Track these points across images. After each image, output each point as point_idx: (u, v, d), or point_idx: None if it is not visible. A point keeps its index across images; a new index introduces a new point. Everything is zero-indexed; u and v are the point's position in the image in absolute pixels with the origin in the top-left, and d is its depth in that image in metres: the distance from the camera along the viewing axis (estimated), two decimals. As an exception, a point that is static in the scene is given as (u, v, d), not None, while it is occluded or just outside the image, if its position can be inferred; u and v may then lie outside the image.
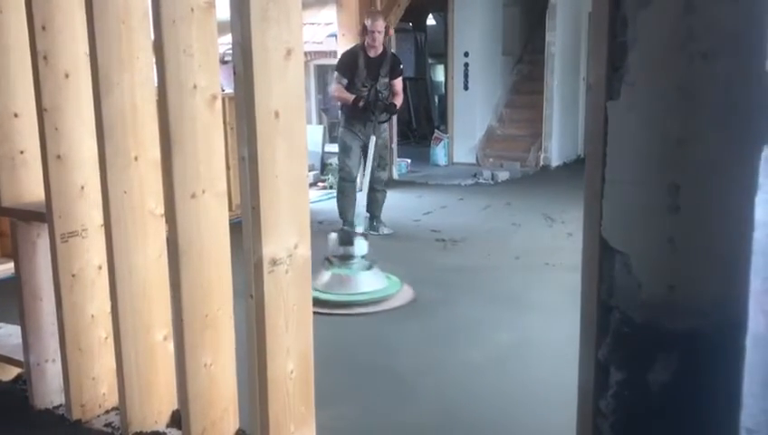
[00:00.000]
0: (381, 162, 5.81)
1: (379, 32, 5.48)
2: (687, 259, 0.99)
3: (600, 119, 1.04)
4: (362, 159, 5.62)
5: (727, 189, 0.95)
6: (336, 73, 5.73)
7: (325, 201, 7.38)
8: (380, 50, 5.60)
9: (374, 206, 5.84)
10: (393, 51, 6.64)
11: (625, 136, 1.02)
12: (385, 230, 5.90)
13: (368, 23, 5.54)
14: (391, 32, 5.78)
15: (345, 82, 5.58)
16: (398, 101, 5.74)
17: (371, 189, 5.63)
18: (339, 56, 7.06)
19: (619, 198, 1.03)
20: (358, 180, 5.83)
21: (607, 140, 1.03)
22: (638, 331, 1.03)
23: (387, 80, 5.63)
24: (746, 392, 0.94)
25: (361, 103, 5.46)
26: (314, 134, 8.64)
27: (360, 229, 4.74)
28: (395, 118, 5.81)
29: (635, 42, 1.00)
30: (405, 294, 4.25)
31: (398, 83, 5.71)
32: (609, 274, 1.05)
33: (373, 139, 5.34)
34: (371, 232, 5.81)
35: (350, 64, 5.59)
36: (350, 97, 5.51)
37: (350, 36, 7.66)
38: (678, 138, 0.97)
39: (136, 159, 2.29)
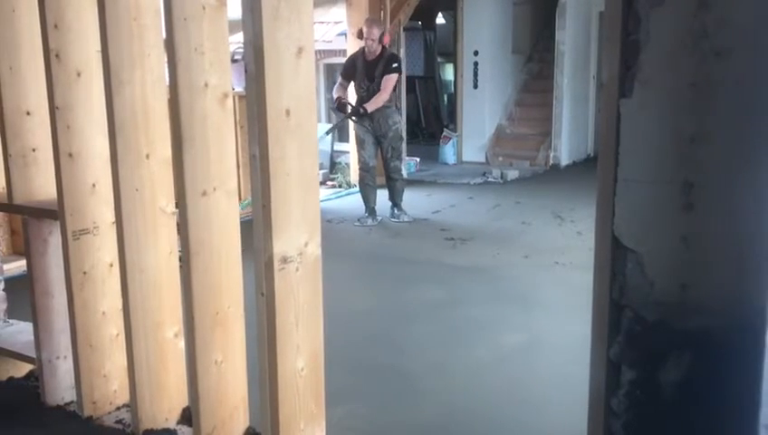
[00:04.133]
0: (394, 153, 6.21)
1: (372, 39, 5.96)
2: (701, 258, 0.98)
3: (612, 117, 1.04)
4: (377, 150, 6.20)
5: (742, 187, 0.94)
6: (339, 77, 6.31)
7: (334, 200, 7.39)
8: (377, 53, 6.03)
9: (393, 194, 6.32)
10: (402, 50, 6.89)
11: (638, 134, 1.01)
12: (405, 218, 6.31)
13: (364, 29, 6.03)
14: (387, 39, 6.09)
15: (346, 84, 6.17)
16: (379, 97, 5.99)
17: (389, 178, 6.26)
18: (347, 55, 7.56)
19: (632, 197, 1.03)
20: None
21: (620, 138, 1.03)
22: (650, 330, 1.03)
23: (381, 80, 6.04)
24: (766, 390, 0.94)
25: (335, 105, 6.20)
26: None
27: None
28: (404, 115, 6.30)
29: (648, 40, 0.99)
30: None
31: (387, 80, 6.02)
32: (622, 272, 1.05)
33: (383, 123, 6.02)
34: (392, 219, 6.32)
35: (349, 69, 6.17)
36: (336, 97, 6.17)
37: (360, 35, 7.67)
38: (692, 136, 0.97)
39: (147, 156, 2.30)
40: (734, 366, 0.97)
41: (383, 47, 6.04)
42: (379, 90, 5.96)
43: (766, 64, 0.92)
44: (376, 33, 5.94)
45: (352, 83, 6.21)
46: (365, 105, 5.98)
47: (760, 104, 0.93)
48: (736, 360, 0.96)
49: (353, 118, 6.08)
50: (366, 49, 6.00)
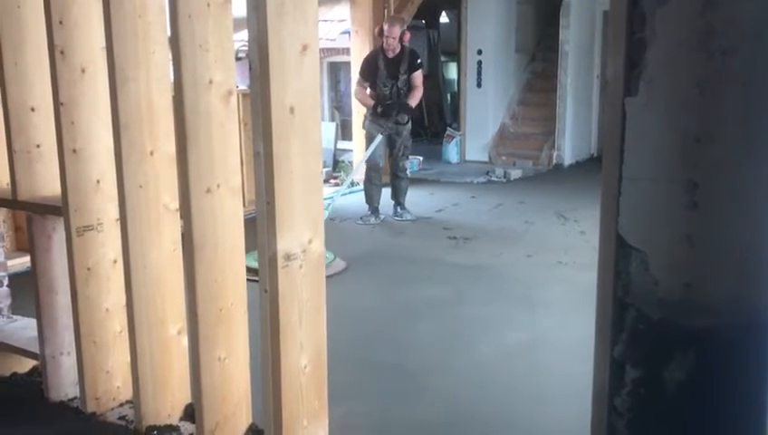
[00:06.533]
0: (406, 151, 6.25)
1: (393, 38, 5.97)
2: (705, 257, 0.98)
3: (617, 116, 1.03)
4: (387, 149, 6.18)
5: (746, 187, 0.94)
6: (358, 77, 6.20)
7: (338, 197, 7.38)
8: (398, 50, 6.04)
9: (398, 192, 6.34)
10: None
11: (643, 133, 1.01)
12: (408, 216, 6.32)
13: (385, 27, 6.02)
14: (407, 36, 6.15)
15: (366, 85, 6.06)
16: (416, 94, 6.14)
17: (395, 176, 6.26)
18: (351, 53, 7.55)
19: (637, 196, 1.02)
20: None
21: (624, 137, 1.03)
22: (654, 328, 1.03)
23: (406, 77, 6.05)
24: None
25: (380, 109, 5.98)
26: (327, 131, 8.64)
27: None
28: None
29: (653, 38, 0.99)
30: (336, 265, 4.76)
31: (416, 77, 6.11)
32: (626, 271, 1.04)
33: (397, 129, 6.03)
34: (395, 218, 6.32)
35: (370, 68, 6.06)
36: (370, 103, 6.04)
37: (363, 33, 7.67)
38: (697, 135, 0.97)
39: (151, 153, 2.31)
40: (739, 365, 0.97)
41: (401, 45, 6.08)
42: (403, 87, 6.02)
43: (772, 64, 0.92)
44: (397, 31, 5.96)
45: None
46: (409, 102, 6.04)
47: (765, 103, 0.93)
48: (741, 359, 0.96)
49: (400, 121, 6.03)
50: (386, 47, 5.99)
